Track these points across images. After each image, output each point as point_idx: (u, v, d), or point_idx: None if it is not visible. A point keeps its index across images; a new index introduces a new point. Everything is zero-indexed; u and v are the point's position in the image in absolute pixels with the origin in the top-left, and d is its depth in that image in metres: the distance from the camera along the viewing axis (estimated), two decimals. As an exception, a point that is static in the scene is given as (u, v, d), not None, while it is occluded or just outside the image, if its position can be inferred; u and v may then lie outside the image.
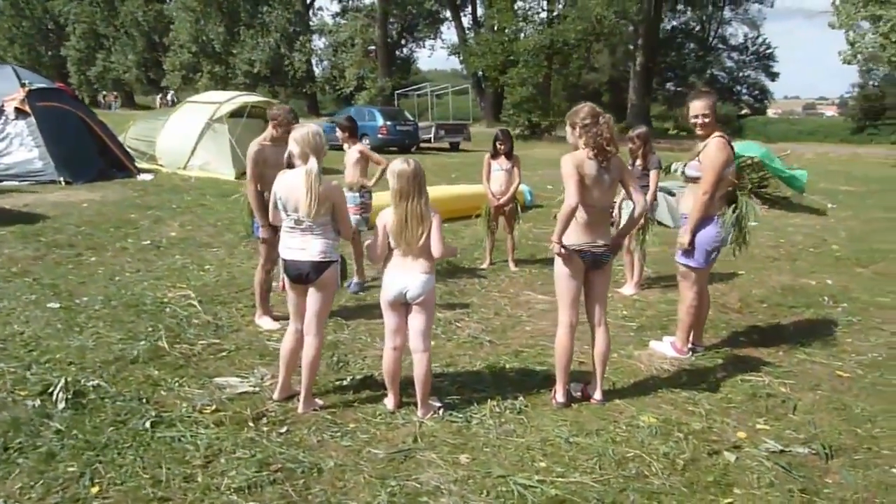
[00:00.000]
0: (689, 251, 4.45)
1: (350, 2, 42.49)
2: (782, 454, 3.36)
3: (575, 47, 24.14)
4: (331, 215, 3.58)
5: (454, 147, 22.94)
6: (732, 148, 4.47)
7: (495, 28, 29.79)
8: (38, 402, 3.60)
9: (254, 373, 4.19)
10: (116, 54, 48.31)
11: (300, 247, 3.56)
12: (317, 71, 42.38)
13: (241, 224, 5.18)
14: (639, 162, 6.14)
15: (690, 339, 4.75)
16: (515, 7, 26.02)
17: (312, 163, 3.47)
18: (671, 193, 9.87)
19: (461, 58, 34.16)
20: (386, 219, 3.53)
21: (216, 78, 40.57)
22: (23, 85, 11.19)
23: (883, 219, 10.18)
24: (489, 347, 4.79)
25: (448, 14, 37.10)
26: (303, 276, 3.56)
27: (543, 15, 25.74)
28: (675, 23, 38.53)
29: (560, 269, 3.82)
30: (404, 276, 3.50)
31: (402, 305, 3.59)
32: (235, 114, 13.11)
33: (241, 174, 12.62)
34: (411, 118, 21.44)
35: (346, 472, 3.10)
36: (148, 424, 3.44)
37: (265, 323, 5.07)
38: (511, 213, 6.82)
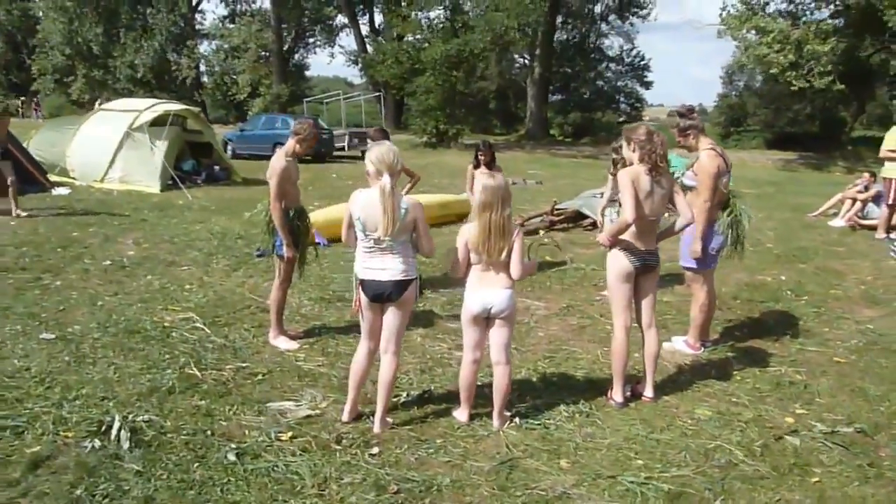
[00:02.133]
0: (699, 258, 4.82)
1: (238, 6, 41.06)
2: (834, 434, 3.72)
3: (482, 57, 24.77)
4: (410, 232, 3.55)
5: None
6: (724, 158, 4.86)
7: (395, 36, 29.94)
8: (97, 443, 3.31)
9: (303, 395, 4.05)
10: (-29, 56, 43.82)
11: (380, 267, 3.51)
12: (205, 77, 40.46)
13: (261, 241, 4.92)
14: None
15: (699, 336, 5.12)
16: (418, 16, 26.29)
17: (386, 180, 3.44)
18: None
19: (360, 66, 34.01)
20: (467, 233, 3.56)
21: (93, 82, 37.74)
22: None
23: (794, 218, 11.27)
24: (518, 355, 4.88)
25: (345, 20, 36.71)
26: (383, 295, 3.52)
27: (447, 24, 26.13)
28: (563, 35, 40.30)
29: (613, 274, 4.02)
30: (487, 291, 3.54)
31: (484, 320, 3.63)
32: (156, 122, 12.36)
33: (165, 187, 12.00)
34: (326, 126, 21.04)
35: (465, 487, 3.10)
36: (233, 457, 3.26)
37: (282, 343, 4.89)
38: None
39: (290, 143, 4.77)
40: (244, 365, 4.48)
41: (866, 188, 10.41)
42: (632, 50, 48.14)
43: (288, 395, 4.05)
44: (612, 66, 49.72)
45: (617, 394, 4.07)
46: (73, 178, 12.32)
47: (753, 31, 19.55)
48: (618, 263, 3.98)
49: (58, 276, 6.28)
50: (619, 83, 50.03)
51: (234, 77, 37.52)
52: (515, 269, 3.54)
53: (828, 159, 24.19)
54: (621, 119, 49.34)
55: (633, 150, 3.99)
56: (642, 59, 48.56)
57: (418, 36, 26.50)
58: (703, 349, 5.07)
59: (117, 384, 4.05)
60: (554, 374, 4.54)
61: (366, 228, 3.48)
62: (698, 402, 4.11)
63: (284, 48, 37.88)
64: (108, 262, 6.81)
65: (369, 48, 33.53)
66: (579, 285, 6.79)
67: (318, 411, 3.84)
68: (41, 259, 6.81)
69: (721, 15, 20.88)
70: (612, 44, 48.22)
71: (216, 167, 14.07)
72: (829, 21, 19.54)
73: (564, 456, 3.42)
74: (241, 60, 37.21)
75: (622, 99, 52.15)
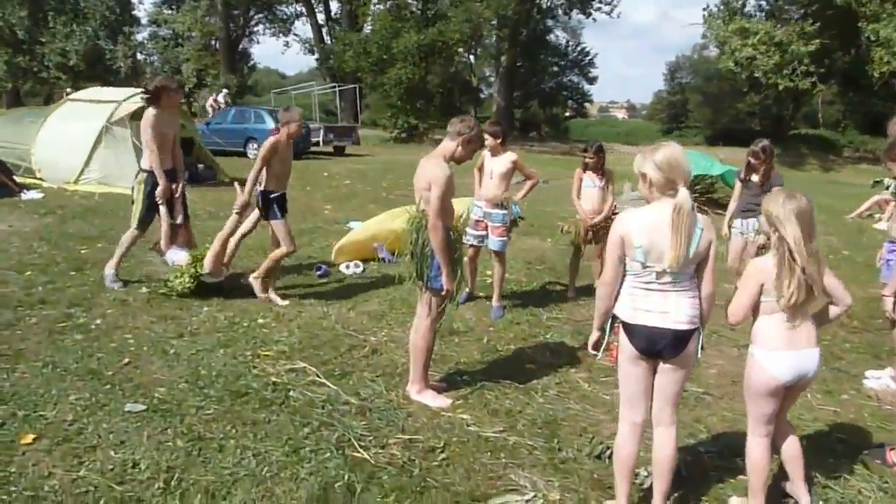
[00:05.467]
0: None
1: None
2: None
3: (454, 48, 23.74)
4: (700, 263, 2.65)
5: (339, 151, 21.40)
6: None
7: (357, 26, 28.52)
8: None
9: (519, 483, 3.07)
10: None
11: (661, 310, 2.61)
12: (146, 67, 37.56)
13: (414, 272, 3.81)
14: (755, 177, 5.68)
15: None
16: (387, 6, 24.98)
17: (684, 195, 2.52)
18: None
19: (317, 56, 32.28)
20: (761, 271, 2.68)
21: (17, 70, 34.38)
22: None
23: (833, 221, 10.93)
24: (711, 401, 4.06)
25: (301, 9, 34.78)
26: (656, 348, 2.62)
27: (418, 14, 24.91)
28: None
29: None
30: (798, 354, 2.71)
31: (787, 389, 2.78)
32: (137, 115, 10.79)
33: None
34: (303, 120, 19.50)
35: None
36: None
37: (430, 400, 3.86)
38: (604, 234, 6.09)
39: (450, 146, 3.74)
40: (409, 437, 3.44)
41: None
42: (577, 45, 48.09)
43: (499, 484, 3.06)
44: (558, 60, 49.57)
45: (904, 462, 3.29)
46: (41, 180, 10.62)
47: (737, 35, 19.43)
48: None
49: (90, 311, 4.97)
50: (563, 79, 49.97)
51: (177, 66, 34.95)
52: (836, 308, 2.78)
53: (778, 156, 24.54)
54: (567, 114, 49.74)
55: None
56: (587, 54, 48.61)
57: (391, 27, 25.09)
58: (912, 384, 4.38)
59: (273, 482, 2.94)
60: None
61: (648, 258, 2.57)
62: None
63: (232, 36, 35.64)
64: (146, 290, 5.51)
65: (326, 38, 31.81)
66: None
67: (559, 510, 2.87)
68: (57, 287, 5.44)
69: (703, 14, 20.74)
70: (559, 39, 48.07)
71: (200, 165, 12.57)
72: (812, 22, 19.65)
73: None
74: (184, 49, 34.72)
75: (566, 94, 52.11)
